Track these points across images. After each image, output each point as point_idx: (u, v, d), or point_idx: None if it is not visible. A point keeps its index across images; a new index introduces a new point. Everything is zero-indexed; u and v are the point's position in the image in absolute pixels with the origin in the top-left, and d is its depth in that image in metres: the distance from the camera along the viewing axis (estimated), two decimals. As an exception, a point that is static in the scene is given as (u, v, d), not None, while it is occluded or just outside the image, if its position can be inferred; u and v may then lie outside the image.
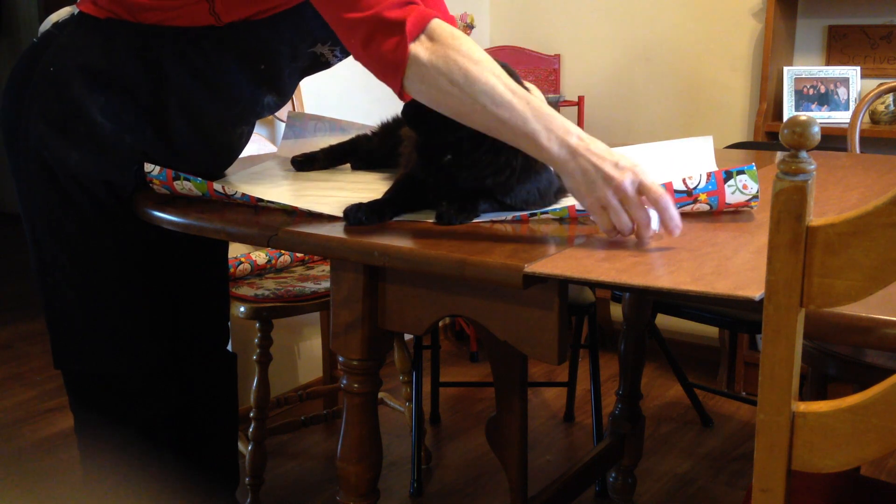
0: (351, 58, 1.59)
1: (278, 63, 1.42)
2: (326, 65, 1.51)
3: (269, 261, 2.20)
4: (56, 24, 1.40)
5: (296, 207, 1.22)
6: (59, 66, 1.35)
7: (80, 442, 1.52)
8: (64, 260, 1.41)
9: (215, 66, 1.38)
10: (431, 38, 1.13)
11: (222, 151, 1.51)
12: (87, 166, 1.36)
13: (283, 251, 2.21)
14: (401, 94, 1.17)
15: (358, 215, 1.16)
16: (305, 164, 1.56)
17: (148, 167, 1.32)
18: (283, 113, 2.53)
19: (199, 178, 1.29)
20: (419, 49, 1.12)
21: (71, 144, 1.35)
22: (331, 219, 1.20)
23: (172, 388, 1.52)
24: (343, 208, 1.20)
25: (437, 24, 1.14)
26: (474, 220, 1.19)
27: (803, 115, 0.72)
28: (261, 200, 1.24)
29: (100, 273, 1.42)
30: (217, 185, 1.27)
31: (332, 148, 1.60)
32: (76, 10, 1.39)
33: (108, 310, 1.43)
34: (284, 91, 1.50)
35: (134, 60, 1.35)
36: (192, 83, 1.38)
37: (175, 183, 1.31)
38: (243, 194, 1.25)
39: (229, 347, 1.70)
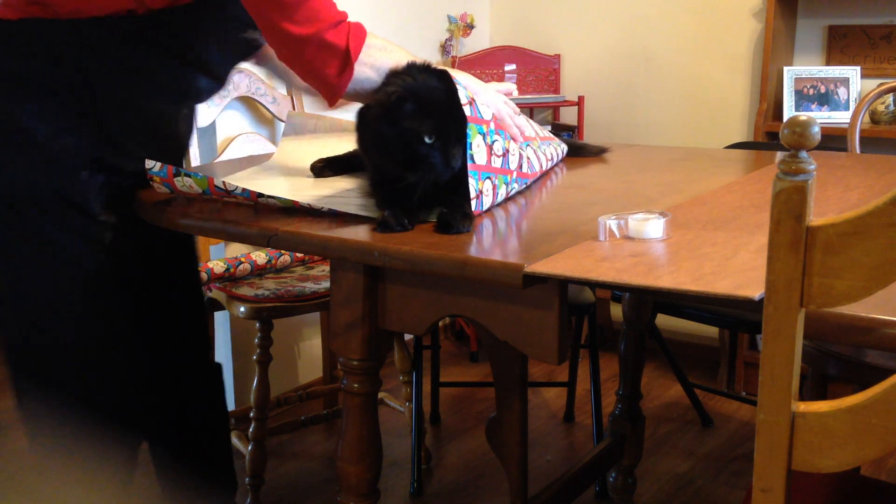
0: None
1: (204, 50, 1.38)
2: (258, 47, 1.49)
3: (269, 261, 2.21)
4: None
5: (296, 203, 1.22)
6: None
7: (46, 478, 1.45)
8: (25, 294, 1.34)
9: (140, 57, 1.32)
10: (368, 53, 1.28)
11: (168, 141, 1.45)
12: (33, 177, 1.29)
13: (283, 251, 2.21)
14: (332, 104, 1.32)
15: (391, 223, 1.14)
16: (326, 169, 1.49)
17: (149, 164, 1.30)
18: (283, 113, 2.53)
19: (200, 174, 1.28)
20: (360, 69, 1.27)
21: (12, 156, 1.29)
22: (331, 217, 1.20)
23: (162, 407, 1.50)
24: (341, 203, 1.20)
25: (370, 41, 1.28)
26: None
27: (803, 115, 0.72)
28: (261, 195, 1.24)
29: (67, 300, 1.35)
30: (218, 181, 1.27)
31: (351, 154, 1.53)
32: None
33: (79, 339, 1.37)
34: (218, 74, 1.46)
35: (56, 61, 1.29)
36: (120, 76, 1.32)
37: (175, 179, 1.30)
38: (244, 189, 1.24)
39: (227, 353, 1.70)
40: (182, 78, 1.39)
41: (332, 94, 1.30)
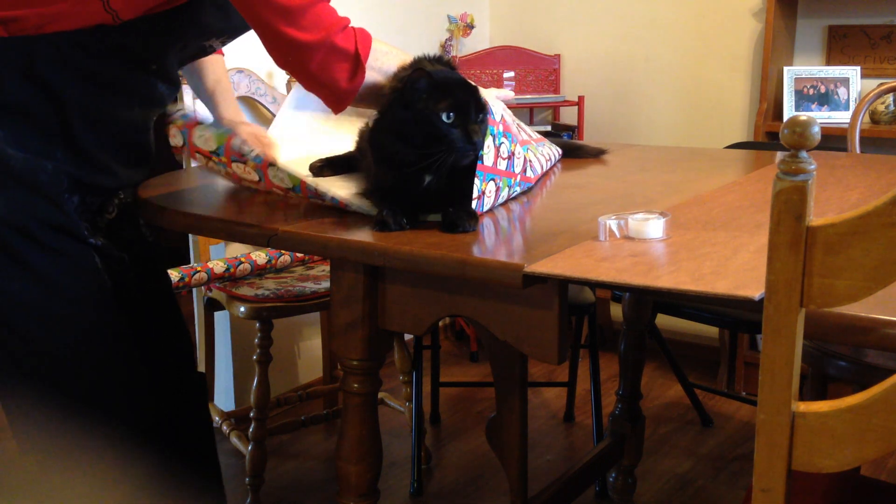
0: None
1: (167, 58, 1.36)
2: (211, 51, 1.47)
3: (269, 261, 2.21)
4: None
5: (303, 183, 1.21)
6: None
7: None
8: (16, 326, 1.28)
9: (109, 69, 1.29)
10: (375, 57, 1.25)
11: (139, 151, 1.43)
12: (16, 207, 1.24)
13: (283, 251, 2.21)
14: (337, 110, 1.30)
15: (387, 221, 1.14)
16: (325, 168, 1.47)
17: (172, 108, 1.26)
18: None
19: (223, 129, 1.26)
20: (369, 74, 1.25)
21: None
22: (331, 217, 1.20)
23: (148, 416, 1.48)
24: (342, 196, 1.20)
25: (375, 45, 1.26)
26: None
27: (803, 115, 0.72)
28: (272, 165, 1.23)
29: (63, 330, 1.30)
30: (236, 141, 1.25)
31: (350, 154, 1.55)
32: None
33: (78, 367, 1.32)
34: (174, 79, 1.43)
35: (21, 81, 1.23)
36: (89, 90, 1.28)
37: (195, 130, 1.26)
38: (257, 154, 1.23)
39: (227, 353, 1.69)
40: (146, 86, 1.36)
41: (340, 100, 1.28)
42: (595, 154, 1.77)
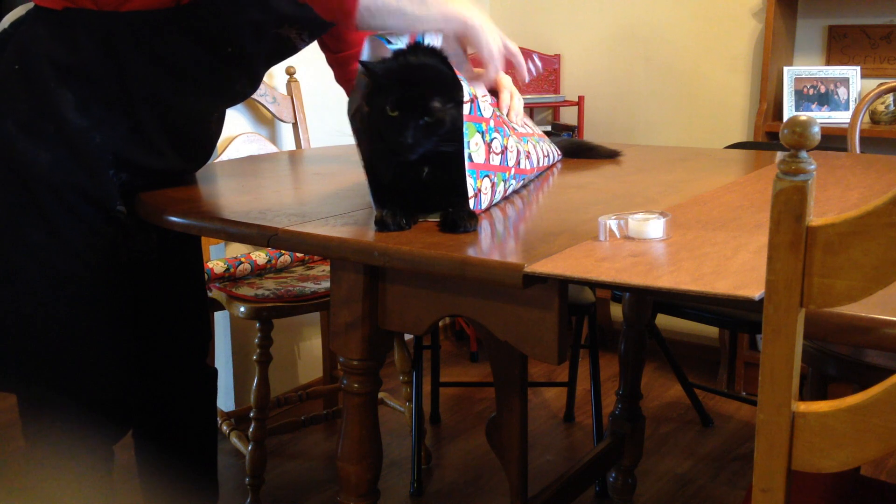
0: None
1: (243, 45, 1.38)
2: (293, 49, 1.48)
3: (269, 261, 2.21)
4: (13, 23, 1.35)
5: None
6: (25, 62, 1.29)
7: (35, 467, 1.43)
8: (27, 271, 1.34)
9: (180, 53, 1.33)
10: None
11: (197, 144, 1.46)
12: (57, 168, 1.30)
13: (283, 251, 2.21)
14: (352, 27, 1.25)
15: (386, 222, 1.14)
16: None
17: None
18: (283, 113, 2.53)
19: None
20: None
21: (40, 144, 1.30)
22: (330, 217, 1.20)
23: (147, 408, 1.48)
24: None
25: None
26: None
27: (803, 115, 0.72)
28: None
29: (67, 286, 1.35)
30: None
31: None
32: (32, 5, 1.34)
33: (72, 327, 1.36)
34: (254, 75, 1.46)
35: (97, 52, 1.30)
36: (157, 73, 1.33)
37: None
38: None
39: (227, 353, 1.69)
40: (219, 77, 1.39)
41: (346, 13, 1.23)
42: (609, 155, 1.76)
